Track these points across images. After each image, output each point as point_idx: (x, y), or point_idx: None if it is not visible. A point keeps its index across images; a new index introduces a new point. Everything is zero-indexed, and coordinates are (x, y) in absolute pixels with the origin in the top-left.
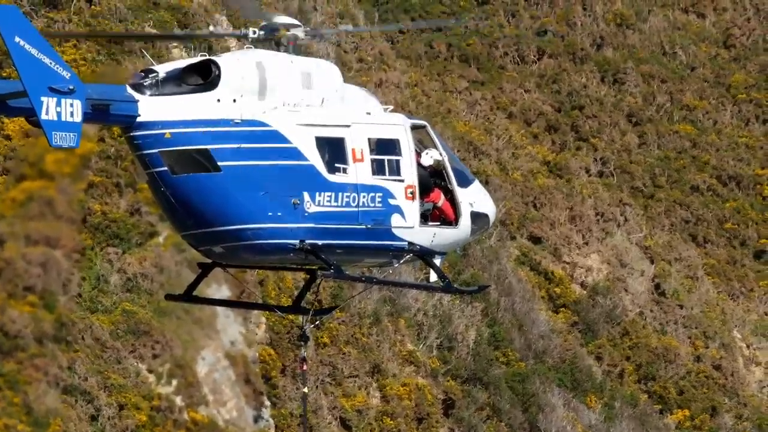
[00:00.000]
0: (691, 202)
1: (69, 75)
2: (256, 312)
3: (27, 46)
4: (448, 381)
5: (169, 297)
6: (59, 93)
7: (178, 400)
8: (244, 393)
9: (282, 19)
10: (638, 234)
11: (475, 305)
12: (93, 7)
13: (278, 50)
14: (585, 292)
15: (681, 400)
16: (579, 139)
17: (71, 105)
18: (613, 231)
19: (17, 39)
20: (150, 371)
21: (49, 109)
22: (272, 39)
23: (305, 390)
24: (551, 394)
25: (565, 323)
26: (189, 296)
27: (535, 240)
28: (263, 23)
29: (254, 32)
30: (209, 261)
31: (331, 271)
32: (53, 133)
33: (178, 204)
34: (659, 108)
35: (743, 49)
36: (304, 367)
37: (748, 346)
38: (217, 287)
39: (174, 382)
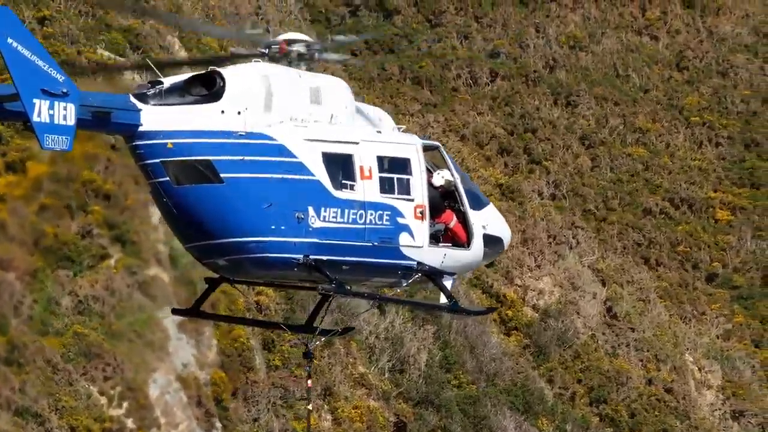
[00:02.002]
0: (644, 225)
1: (63, 78)
2: (207, 335)
3: (20, 48)
4: (400, 403)
5: (176, 312)
6: (52, 95)
7: (130, 423)
8: (196, 415)
9: (288, 35)
10: (590, 257)
11: (427, 328)
12: (45, 28)
13: (290, 66)
14: (537, 314)
15: (632, 423)
16: (531, 161)
17: (64, 108)
18: (566, 254)
19: (10, 40)
20: (101, 393)
21: (42, 111)
22: (276, 54)
23: (309, 407)
24: (503, 416)
25: (517, 346)
26: (196, 311)
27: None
28: (271, 40)
29: (267, 49)
30: (216, 276)
31: (333, 285)
32: (45, 135)
33: (180, 215)
34: (612, 130)
35: (696, 72)
36: (309, 384)
37: (699, 369)
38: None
39: (125, 405)
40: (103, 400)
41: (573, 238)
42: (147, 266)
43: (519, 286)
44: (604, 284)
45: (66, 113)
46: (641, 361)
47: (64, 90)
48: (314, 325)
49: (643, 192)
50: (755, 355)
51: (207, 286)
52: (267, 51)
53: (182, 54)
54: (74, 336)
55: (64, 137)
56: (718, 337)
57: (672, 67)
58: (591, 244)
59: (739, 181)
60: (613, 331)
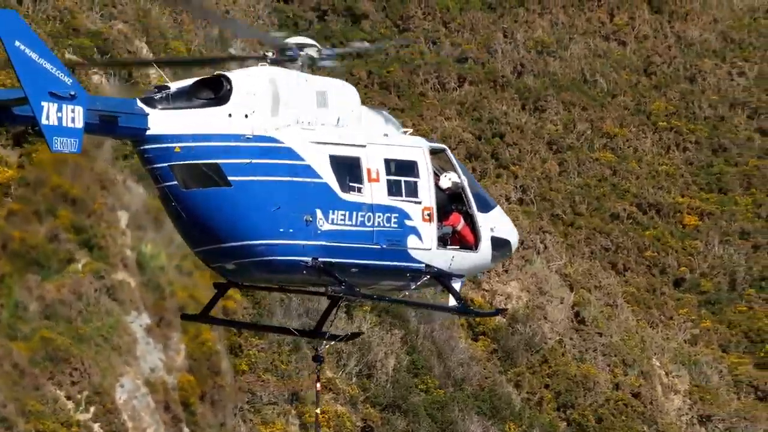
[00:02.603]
0: (611, 230)
1: (70, 81)
2: (175, 339)
3: (27, 51)
4: (367, 408)
5: (185, 317)
6: (60, 98)
7: (97, 427)
8: (163, 420)
9: (297, 39)
10: (558, 262)
11: (395, 332)
12: None
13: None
14: (504, 319)
15: (599, 428)
16: (499, 166)
17: (72, 111)
18: (533, 258)
19: (17, 43)
20: (68, 398)
21: (50, 114)
22: (287, 59)
23: (318, 411)
24: (470, 421)
25: (485, 351)
26: (205, 317)
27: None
28: (280, 44)
29: (272, 53)
30: (224, 281)
31: (342, 287)
32: (54, 138)
33: (188, 219)
34: (580, 135)
35: (664, 77)
36: (318, 388)
37: (667, 374)
38: (137, 314)
39: (92, 409)
40: (70, 405)
41: (541, 242)
42: (114, 271)
43: (486, 291)
44: (571, 289)
45: (74, 116)
46: (608, 366)
47: (72, 93)
48: (323, 329)
49: (610, 197)
50: (722, 360)
51: (216, 291)
52: (275, 54)
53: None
54: (41, 340)
55: (72, 140)
56: (685, 342)
57: (640, 72)
58: (559, 249)
59: (707, 186)
60: (580, 336)
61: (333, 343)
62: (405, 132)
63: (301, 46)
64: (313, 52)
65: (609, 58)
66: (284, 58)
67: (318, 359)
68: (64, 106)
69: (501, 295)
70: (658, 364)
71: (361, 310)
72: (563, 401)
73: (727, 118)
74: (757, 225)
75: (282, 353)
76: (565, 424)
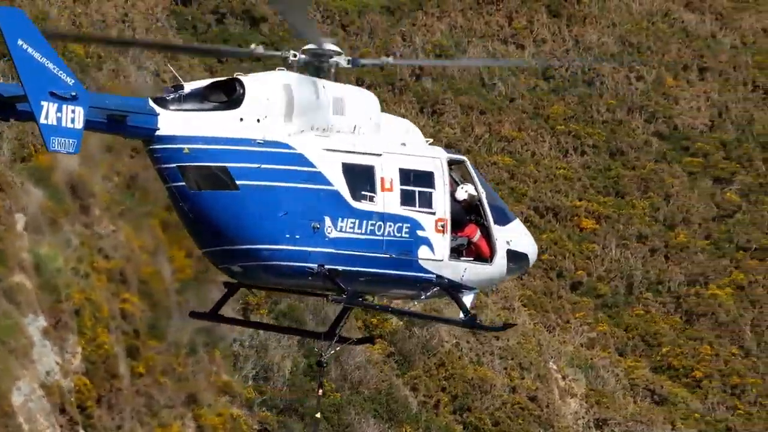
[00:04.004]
0: None
1: (72, 81)
2: (71, 342)
3: (30, 50)
4: (264, 411)
5: (194, 315)
6: (60, 98)
7: None
8: (60, 423)
9: (328, 46)
10: None
11: (291, 336)
12: None
13: (318, 76)
14: (402, 323)
15: (496, 431)
16: None
17: (73, 111)
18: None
19: (20, 42)
20: None
21: (49, 113)
22: (313, 64)
23: (318, 415)
24: (367, 424)
25: (382, 354)
26: (215, 316)
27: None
28: (308, 47)
29: (294, 55)
30: (234, 281)
31: (343, 296)
32: (51, 138)
33: (195, 220)
34: (477, 139)
35: (562, 81)
36: (320, 393)
37: (563, 378)
38: (34, 317)
39: None
40: None
41: None
42: (11, 273)
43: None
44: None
45: (74, 116)
46: (505, 369)
47: (73, 93)
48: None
49: (508, 200)
50: (619, 364)
51: (226, 290)
52: (295, 59)
53: None
54: None
55: (70, 140)
56: (582, 346)
57: (538, 76)
58: None
59: (604, 189)
60: (477, 340)
61: (342, 346)
62: (426, 142)
63: (332, 54)
64: (342, 61)
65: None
66: (314, 63)
67: (321, 364)
68: (64, 106)
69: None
70: (554, 367)
71: (258, 314)
72: (460, 404)
73: (625, 122)
74: (654, 229)
75: (179, 356)
76: (462, 427)
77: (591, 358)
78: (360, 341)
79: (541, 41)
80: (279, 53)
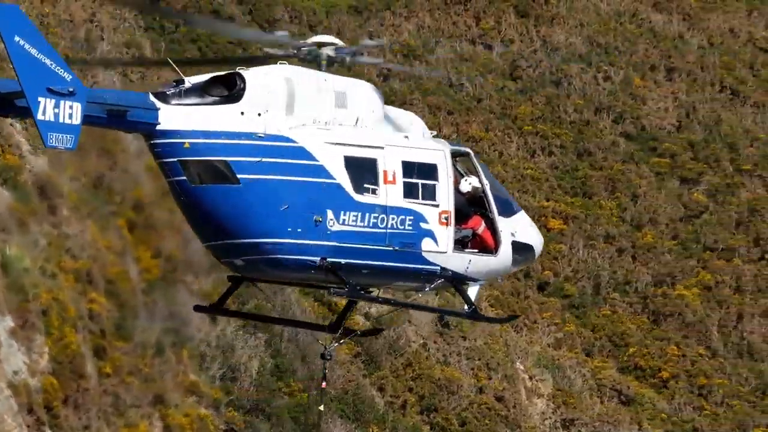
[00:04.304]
0: None
1: (70, 77)
2: (39, 342)
3: (27, 46)
4: (231, 411)
5: (198, 308)
6: (58, 94)
7: None
8: (27, 423)
9: (319, 38)
10: None
11: (259, 336)
12: None
13: (319, 69)
14: (369, 323)
15: (463, 431)
16: None
17: (70, 107)
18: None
19: (17, 38)
20: None
21: (47, 109)
22: (307, 58)
23: (321, 408)
24: (333, 424)
25: (349, 354)
26: (219, 309)
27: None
28: (302, 42)
29: (294, 51)
30: (238, 274)
31: (346, 289)
32: (49, 134)
33: (196, 214)
34: (445, 139)
35: (530, 81)
36: (324, 385)
37: (530, 378)
38: (1, 317)
39: None
40: None
41: None
42: None
43: None
44: (436, 293)
45: (72, 112)
46: (472, 369)
47: (71, 89)
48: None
49: None
50: (586, 364)
51: (230, 284)
52: (297, 53)
53: None
54: None
55: (68, 136)
56: (549, 346)
57: (505, 76)
58: None
59: (572, 190)
60: (444, 340)
61: (346, 340)
62: (432, 134)
63: (321, 45)
64: (330, 51)
65: (475, 62)
66: (303, 57)
67: (325, 357)
68: (61, 102)
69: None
70: (521, 368)
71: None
72: (427, 405)
73: (593, 123)
74: (622, 229)
75: (146, 356)
76: (429, 427)
77: (558, 359)
78: (365, 333)
79: (509, 41)
80: (282, 52)
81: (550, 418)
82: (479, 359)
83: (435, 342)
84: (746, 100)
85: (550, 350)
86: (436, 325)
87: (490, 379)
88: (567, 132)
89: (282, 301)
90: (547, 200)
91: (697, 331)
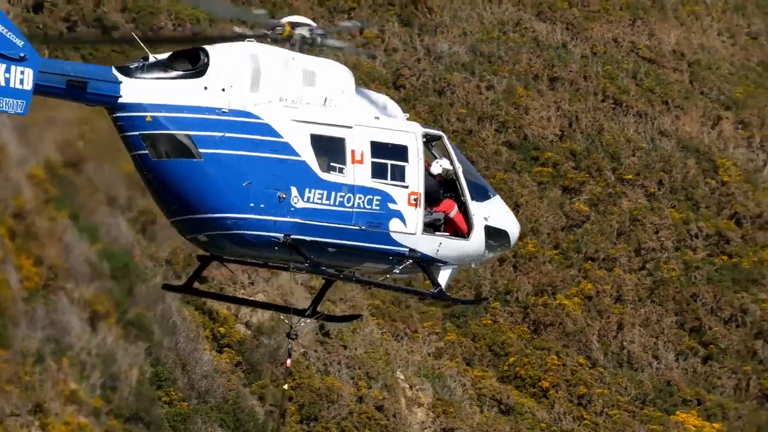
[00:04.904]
0: None
1: (22, 43)
2: None
3: None
4: (111, 420)
5: (167, 287)
6: (9, 59)
7: None
8: None
9: (292, 18)
10: (304, 274)
11: (139, 344)
12: None
13: (293, 49)
14: (249, 332)
15: None
16: None
17: (21, 72)
18: (279, 271)
19: None
20: None
21: None
22: (278, 38)
23: (285, 387)
24: None
25: (229, 363)
26: (188, 289)
27: (202, 279)
28: (275, 21)
29: (270, 31)
30: (208, 254)
31: (306, 264)
32: None
33: (160, 188)
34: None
35: (413, 90)
36: (288, 364)
37: (411, 387)
38: None
39: None
40: None
41: None
42: None
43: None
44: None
45: (23, 78)
46: (353, 378)
47: (22, 54)
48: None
49: None
50: (466, 373)
51: (199, 263)
52: (270, 33)
53: None
54: None
55: (19, 101)
56: (429, 355)
57: (389, 85)
58: None
59: None
60: (325, 349)
61: (312, 320)
62: (405, 117)
63: (294, 25)
64: (304, 32)
65: (358, 71)
66: (275, 37)
67: (291, 336)
68: (12, 67)
69: (246, 307)
70: (402, 377)
71: (106, 322)
72: (307, 414)
73: (475, 132)
74: None
75: (26, 364)
76: None
77: (438, 368)
78: (345, 318)
79: (392, 50)
80: (258, 32)
81: (430, 427)
82: (360, 368)
83: (315, 351)
84: (628, 109)
85: (430, 359)
86: (317, 333)
87: (370, 388)
88: (450, 140)
89: (162, 310)
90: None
91: (578, 341)
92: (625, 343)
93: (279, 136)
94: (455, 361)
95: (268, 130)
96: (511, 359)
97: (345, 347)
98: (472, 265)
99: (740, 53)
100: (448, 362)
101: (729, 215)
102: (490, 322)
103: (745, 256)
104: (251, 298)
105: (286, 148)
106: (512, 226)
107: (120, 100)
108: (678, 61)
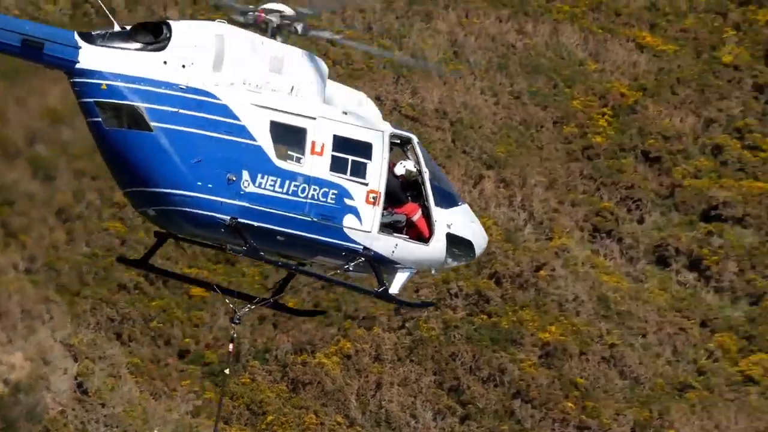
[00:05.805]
0: (118, 300)
1: None
2: None
3: None
4: None
5: (121, 260)
6: None
7: None
8: None
9: (267, 5)
10: (63, 331)
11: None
12: None
13: (266, 35)
14: (7, 389)
15: None
16: (7, 234)
17: None
18: (38, 328)
19: None
20: None
21: None
22: (252, 23)
23: (227, 371)
24: None
25: None
26: (144, 264)
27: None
28: (250, 7)
29: (244, 16)
30: (164, 231)
31: (245, 248)
32: None
33: (111, 158)
34: (89, 204)
35: None
36: (231, 349)
37: None
38: None
39: None
40: None
41: (47, 312)
42: None
43: None
44: (76, 359)
45: None
46: None
47: None
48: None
49: (119, 267)
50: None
51: (156, 240)
52: (244, 18)
53: None
54: None
55: None
56: (187, 413)
57: None
58: (64, 319)
59: (215, 257)
60: (83, 407)
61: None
62: (379, 117)
63: (267, 11)
64: (274, 18)
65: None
66: (251, 23)
67: (234, 321)
68: None
69: (4, 365)
70: None
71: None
72: None
73: None
74: (266, 295)
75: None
76: None
77: (196, 426)
78: (308, 313)
79: None
80: (232, 17)
81: None
82: (117, 426)
83: (73, 409)
84: None
85: (188, 418)
86: (75, 391)
87: None
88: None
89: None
90: (190, 267)
91: (336, 400)
92: (383, 402)
93: (236, 118)
94: (213, 420)
95: (225, 111)
96: (269, 418)
97: (103, 405)
98: (432, 272)
99: (503, 112)
100: (206, 420)
101: (489, 274)
102: (248, 380)
103: (504, 315)
104: (205, 279)
105: (242, 131)
106: (478, 237)
107: (78, 66)
108: (440, 120)
